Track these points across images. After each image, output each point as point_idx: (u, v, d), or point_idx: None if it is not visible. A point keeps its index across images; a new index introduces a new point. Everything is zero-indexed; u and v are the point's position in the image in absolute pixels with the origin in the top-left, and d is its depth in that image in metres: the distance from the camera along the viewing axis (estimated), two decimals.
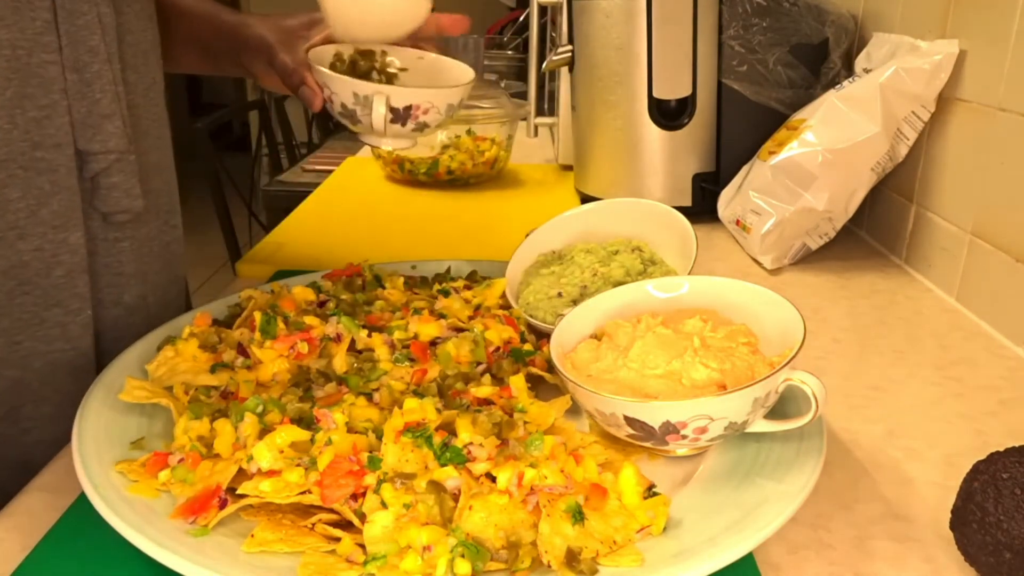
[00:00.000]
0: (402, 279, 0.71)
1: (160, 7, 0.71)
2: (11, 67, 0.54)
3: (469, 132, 1.23)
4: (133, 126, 0.64)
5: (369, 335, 0.60)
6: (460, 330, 0.61)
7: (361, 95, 0.63)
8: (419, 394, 0.52)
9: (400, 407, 0.48)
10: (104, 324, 0.64)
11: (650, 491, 0.46)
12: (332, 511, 0.44)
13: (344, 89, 0.64)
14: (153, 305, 0.70)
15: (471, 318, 0.64)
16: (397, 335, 0.59)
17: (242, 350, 0.59)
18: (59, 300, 0.60)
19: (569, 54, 1.10)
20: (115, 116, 0.60)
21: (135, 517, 0.43)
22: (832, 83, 0.96)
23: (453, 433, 0.47)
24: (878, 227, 0.99)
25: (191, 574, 0.40)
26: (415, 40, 0.70)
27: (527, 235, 0.74)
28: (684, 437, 0.48)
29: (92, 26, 0.57)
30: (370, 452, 0.45)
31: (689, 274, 0.64)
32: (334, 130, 3.26)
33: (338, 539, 0.43)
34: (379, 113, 0.63)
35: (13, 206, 0.56)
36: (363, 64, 0.68)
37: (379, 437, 0.47)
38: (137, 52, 0.65)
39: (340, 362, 0.56)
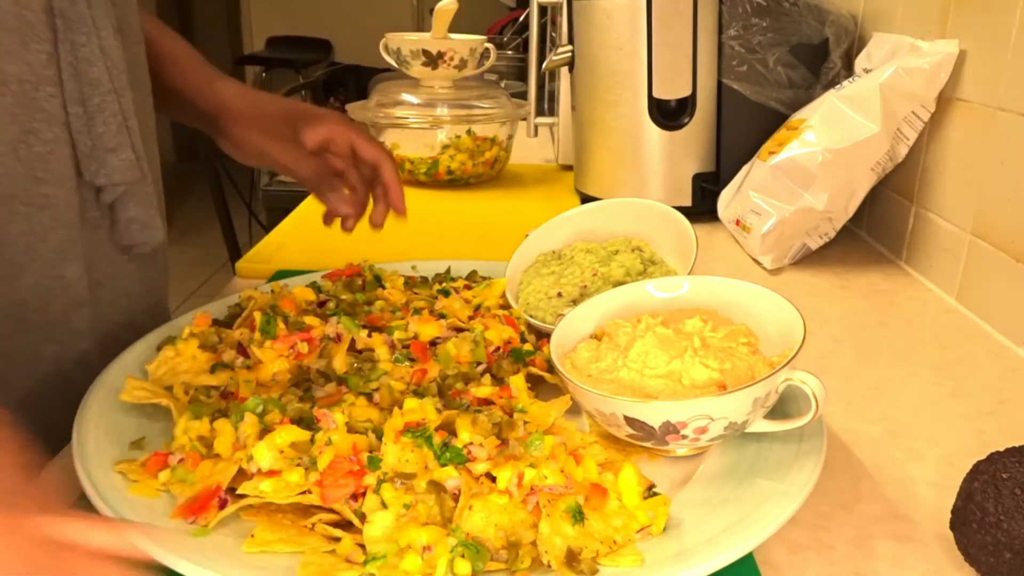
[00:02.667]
0: (402, 279, 0.71)
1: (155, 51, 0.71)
2: (17, 102, 0.53)
3: (469, 132, 1.23)
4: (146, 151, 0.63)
5: (369, 335, 0.59)
6: (460, 330, 0.61)
7: None
8: (419, 394, 0.52)
9: (400, 407, 0.48)
10: (118, 348, 0.63)
11: (650, 491, 0.46)
12: (332, 511, 0.44)
13: None
14: (160, 317, 0.69)
15: (471, 318, 0.64)
16: (397, 335, 0.59)
17: (242, 350, 0.58)
18: (54, 335, 0.58)
19: (569, 54, 1.10)
20: (122, 148, 0.58)
21: (135, 517, 0.43)
22: (832, 83, 0.96)
23: (453, 433, 0.47)
24: (878, 227, 0.99)
25: (191, 574, 0.40)
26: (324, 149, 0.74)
27: (527, 235, 0.74)
28: (684, 437, 0.48)
29: (93, 58, 0.56)
30: (370, 452, 0.45)
31: (689, 274, 0.64)
32: None
33: (338, 539, 0.43)
34: None
35: (14, 242, 0.54)
36: None
37: (379, 437, 0.47)
38: (134, 65, 0.63)
39: (340, 362, 0.56)
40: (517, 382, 0.54)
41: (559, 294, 0.65)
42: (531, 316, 0.65)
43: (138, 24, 0.65)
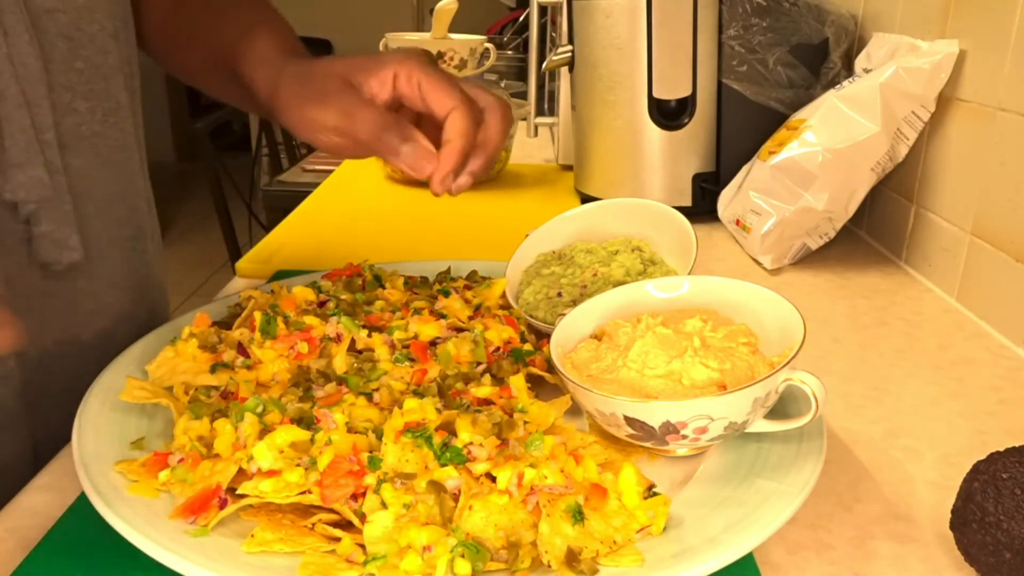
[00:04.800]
0: (402, 279, 0.71)
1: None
2: None
3: None
4: (91, 156, 0.60)
5: (369, 335, 0.59)
6: (460, 330, 0.61)
7: None
8: (419, 394, 0.52)
9: (400, 407, 0.48)
10: (61, 361, 0.61)
11: (650, 491, 0.46)
12: (332, 511, 0.44)
13: None
14: (121, 336, 0.66)
15: (471, 318, 0.64)
16: (397, 335, 0.59)
17: (242, 350, 0.58)
18: None
19: (569, 54, 1.10)
20: (31, 164, 0.55)
21: (135, 517, 0.43)
22: (832, 83, 0.96)
23: (453, 433, 0.47)
24: (878, 227, 0.99)
25: (191, 574, 0.40)
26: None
27: (527, 235, 0.74)
28: (684, 437, 0.48)
29: None
30: (370, 452, 0.45)
31: (689, 274, 0.64)
32: None
33: (338, 539, 0.43)
34: None
35: None
36: None
37: (379, 437, 0.47)
38: (94, 76, 0.60)
39: (340, 362, 0.56)
40: (517, 382, 0.54)
41: (559, 294, 0.66)
42: (531, 316, 0.65)
43: (113, 30, 0.62)
